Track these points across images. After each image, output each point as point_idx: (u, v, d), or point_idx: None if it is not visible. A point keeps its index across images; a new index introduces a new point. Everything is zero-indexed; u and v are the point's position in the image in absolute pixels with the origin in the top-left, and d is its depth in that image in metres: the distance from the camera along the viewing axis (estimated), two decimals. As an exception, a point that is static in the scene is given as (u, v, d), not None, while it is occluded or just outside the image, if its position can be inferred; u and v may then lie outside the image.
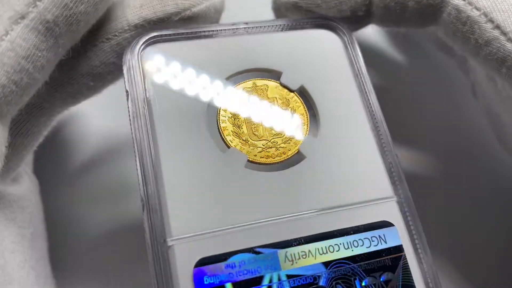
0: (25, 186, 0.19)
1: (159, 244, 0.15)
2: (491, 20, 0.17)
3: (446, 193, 0.24)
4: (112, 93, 0.20)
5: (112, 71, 0.19)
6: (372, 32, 0.27)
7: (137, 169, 0.16)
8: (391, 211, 0.17)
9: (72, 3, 0.16)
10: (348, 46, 0.19)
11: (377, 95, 0.19)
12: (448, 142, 0.26)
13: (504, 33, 0.17)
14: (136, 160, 0.16)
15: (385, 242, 0.16)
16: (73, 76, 0.18)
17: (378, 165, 0.18)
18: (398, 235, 0.16)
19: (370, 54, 0.28)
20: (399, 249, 0.16)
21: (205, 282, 0.15)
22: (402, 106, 0.27)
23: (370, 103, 0.18)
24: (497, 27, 0.17)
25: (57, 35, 0.16)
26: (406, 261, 0.16)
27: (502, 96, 0.20)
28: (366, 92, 0.19)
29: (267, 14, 0.22)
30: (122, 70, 0.18)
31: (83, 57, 0.18)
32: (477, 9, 0.17)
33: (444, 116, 0.27)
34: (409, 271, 0.16)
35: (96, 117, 0.26)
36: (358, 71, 0.19)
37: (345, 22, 0.20)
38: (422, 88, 0.28)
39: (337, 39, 0.20)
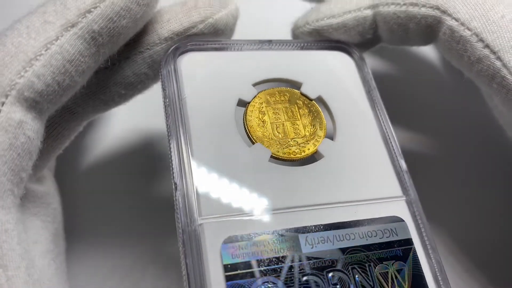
0: (47, 186, 0.21)
1: (190, 222, 0.16)
2: (481, 40, 0.19)
3: (454, 193, 0.25)
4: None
5: (143, 81, 0.20)
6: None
7: (170, 156, 0.17)
8: (401, 209, 0.18)
9: (116, 17, 0.18)
10: (360, 66, 0.22)
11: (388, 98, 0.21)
12: (457, 142, 0.27)
13: (493, 52, 0.19)
14: (170, 147, 0.18)
15: (396, 235, 0.18)
16: (107, 84, 0.20)
17: (387, 167, 0.19)
18: (408, 230, 0.18)
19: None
20: (409, 242, 0.18)
21: (232, 258, 0.16)
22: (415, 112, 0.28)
23: (379, 114, 0.20)
24: (487, 46, 0.19)
25: (99, 44, 0.18)
26: (416, 253, 0.17)
27: (498, 111, 0.22)
28: (376, 104, 0.21)
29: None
30: (152, 80, 0.20)
31: (117, 68, 0.20)
32: (469, 29, 0.19)
33: (454, 118, 0.28)
34: (419, 262, 0.17)
35: (112, 117, 0.27)
36: (369, 87, 0.21)
37: (357, 44, 0.22)
38: (436, 91, 0.29)
39: (350, 59, 0.22)
